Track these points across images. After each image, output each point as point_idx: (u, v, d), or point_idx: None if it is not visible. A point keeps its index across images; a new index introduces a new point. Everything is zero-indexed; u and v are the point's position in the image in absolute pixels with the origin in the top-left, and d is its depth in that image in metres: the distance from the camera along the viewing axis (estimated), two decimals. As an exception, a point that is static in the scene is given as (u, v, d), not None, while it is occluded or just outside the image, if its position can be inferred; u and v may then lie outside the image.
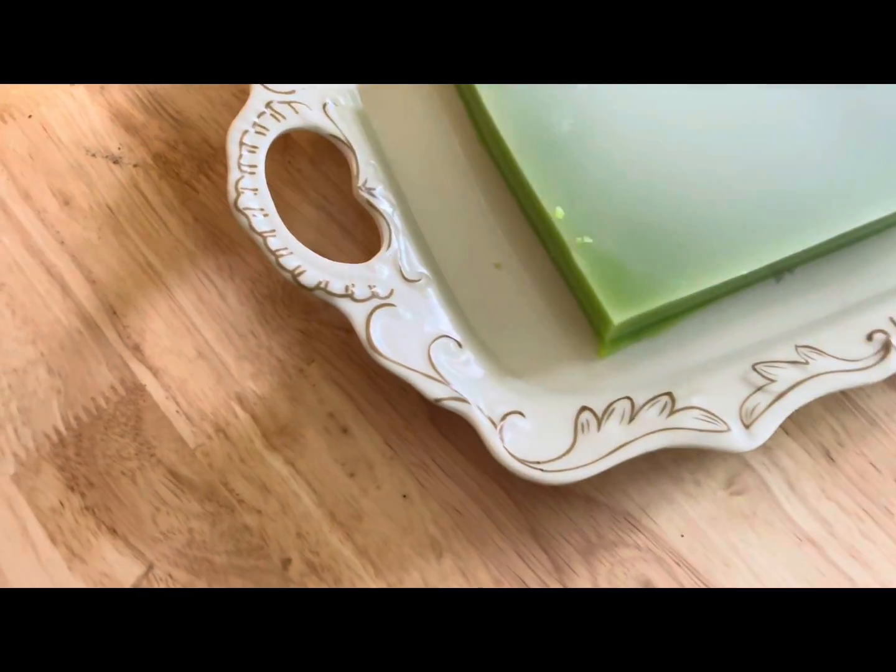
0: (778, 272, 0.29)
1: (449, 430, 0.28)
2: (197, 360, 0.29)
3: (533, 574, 0.26)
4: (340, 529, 0.27)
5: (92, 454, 0.28)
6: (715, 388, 0.27)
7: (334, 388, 0.29)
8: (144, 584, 0.26)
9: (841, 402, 0.28)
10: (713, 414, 0.26)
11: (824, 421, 0.28)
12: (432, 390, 0.25)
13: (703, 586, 0.26)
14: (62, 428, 0.28)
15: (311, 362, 0.29)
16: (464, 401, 0.25)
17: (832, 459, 0.28)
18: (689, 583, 0.26)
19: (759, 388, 0.26)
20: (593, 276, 0.27)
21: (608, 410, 0.26)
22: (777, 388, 0.26)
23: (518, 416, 0.26)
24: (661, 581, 0.26)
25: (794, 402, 0.26)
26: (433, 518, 0.27)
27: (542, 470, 0.25)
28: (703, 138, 0.29)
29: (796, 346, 0.27)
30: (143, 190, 0.32)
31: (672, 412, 0.26)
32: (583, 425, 0.26)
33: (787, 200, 0.28)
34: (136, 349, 0.29)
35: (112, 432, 0.28)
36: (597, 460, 0.25)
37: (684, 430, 0.26)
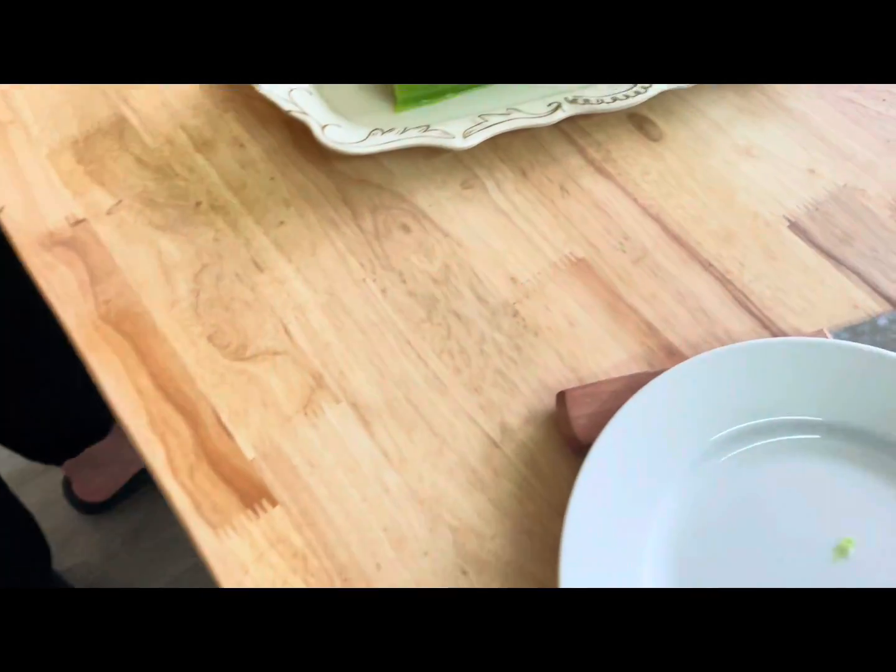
0: None
1: (304, 150, 0.47)
2: (161, 107, 0.49)
3: (340, 219, 0.45)
4: (232, 191, 0.46)
5: (94, 147, 0.47)
6: (453, 123, 0.46)
7: (239, 125, 0.48)
8: (115, 211, 0.45)
9: (537, 147, 0.48)
10: (447, 132, 0.45)
11: (525, 157, 0.47)
12: (285, 105, 0.45)
13: (437, 231, 0.45)
14: (78, 135, 0.48)
15: (227, 111, 0.49)
16: (304, 114, 0.45)
17: (525, 175, 0.47)
18: (429, 227, 0.45)
19: (478, 123, 0.46)
20: (387, 56, 0.47)
21: (390, 129, 0.46)
22: (487, 122, 0.46)
23: (336, 126, 0.45)
24: (413, 225, 0.45)
25: (495, 130, 0.45)
26: (287, 189, 0.46)
27: (343, 144, 0.44)
28: None
29: (507, 108, 0.47)
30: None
31: (426, 131, 0.46)
32: (373, 133, 0.45)
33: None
34: (125, 100, 0.49)
35: (107, 139, 0.48)
36: (377, 146, 0.44)
37: (429, 137, 0.45)
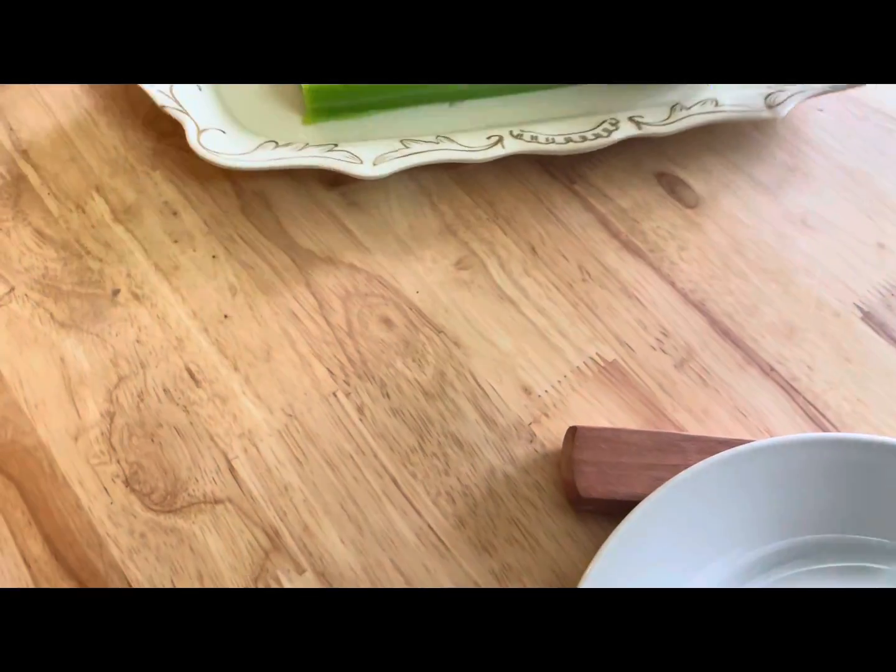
0: (451, 99, 0.40)
1: (255, 219, 0.37)
2: (69, 163, 0.38)
3: (302, 309, 0.35)
4: (161, 274, 0.36)
5: (-22, 216, 0.37)
6: (366, 146, 0.37)
7: (171, 186, 0.38)
8: (5, 302, 0.34)
9: (547, 216, 0.39)
10: (356, 155, 0.36)
11: (533, 228, 0.38)
12: (161, 99, 0.37)
13: (428, 326, 0.35)
14: (-43, 198, 0.37)
15: (156, 169, 0.39)
16: (182, 111, 0.37)
17: (535, 252, 0.38)
18: (417, 320, 0.35)
19: (395, 150, 0.37)
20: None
21: (288, 144, 0.37)
22: (408, 150, 0.37)
23: (219, 132, 0.37)
24: (397, 319, 0.35)
25: (414, 160, 0.36)
26: (233, 272, 0.36)
27: (220, 155, 0.35)
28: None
29: (437, 136, 0.38)
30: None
31: (329, 151, 0.37)
32: (265, 145, 0.37)
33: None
34: (24, 153, 0.38)
35: (-4, 203, 0.37)
36: (263, 161, 0.35)
37: (330, 160, 0.36)
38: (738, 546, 0.30)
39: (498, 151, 0.37)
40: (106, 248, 0.36)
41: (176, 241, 0.37)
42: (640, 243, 0.38)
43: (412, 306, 0.36)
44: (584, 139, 0.38)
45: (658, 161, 0.41)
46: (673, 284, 0.37)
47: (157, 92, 0.37)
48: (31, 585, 0.29)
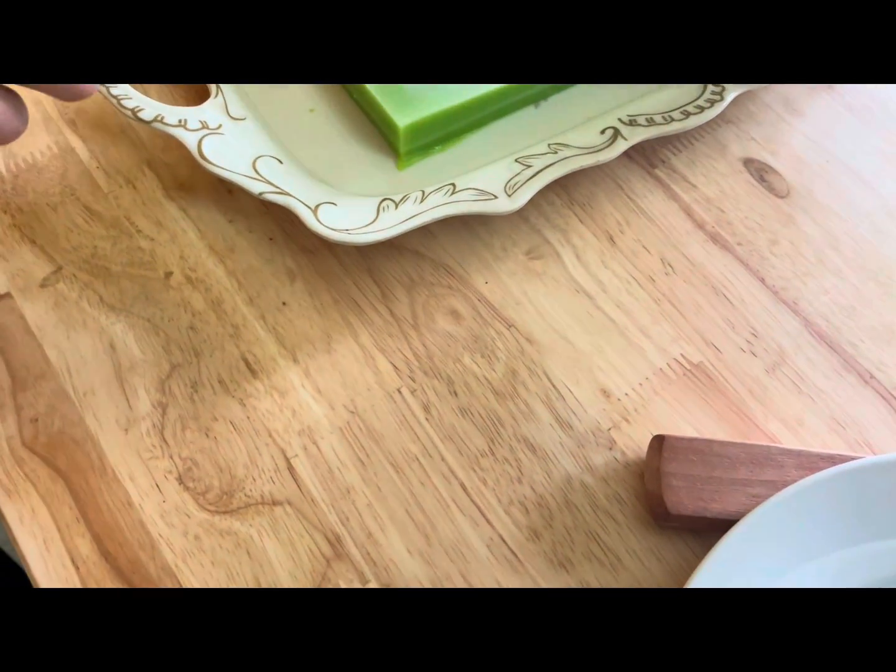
0: (535, 100, 0.37)
1: (314, 200, 0.35)
2: (119, 135, 0.36)
3: (364, 298, 0.33)
4: (216, 256, 0.34)
5: (24, 189, 0.35)
6: (486, 176, 0.34)
7: (227, 162, 0.36)
8: (51, 283, 0.33)
9: (626, 203, 0.36)
10: (484, 190, 0.33)
11: (611, 216, 0.36)
12: (255, 187, 0.32)
13: (498, 320, 0.33)
14: (3, 170, 0.35)
15: (210, 143, 0.36)
16: (285, 194, 0.32)
17: (613, 241, 0.35)
18: (486, 313, 0.33)
19: (519, 173, 0.34)
20: (380, 95, 0.34)
21: (404, 199, 0.33)
22: (533, 170, 0.34)
23: (331, 205, 0.33)
24: (464, 311, 0.33)
25: (546, 177, 0.33)
26: (292, 255, 0.34)
27: (349, 233, 0.31)
28: None
29: (549, 144, 0.35)
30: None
31: (453, 193, 0.33)
32: (384, 208, 0.33)
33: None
34: (72, 122, 0.36)
35: (43, 177, 0.35)
36: (393, 226, 0.32)
37: (462, 202, 0.33)
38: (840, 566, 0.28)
39: (622, 146, 0.34)
40: (158, 227, 0.34)
41: (231, 221, 0.34)
42: (728, 235, 0.35)
43: (481, 298, 0.33)
44: (702, 109, 0.35)
45: (744, 146, 0.38)
46: (763, 281, 0.34)
47: (246, 178, 0.32)
48: (80, 587, 0.27)
